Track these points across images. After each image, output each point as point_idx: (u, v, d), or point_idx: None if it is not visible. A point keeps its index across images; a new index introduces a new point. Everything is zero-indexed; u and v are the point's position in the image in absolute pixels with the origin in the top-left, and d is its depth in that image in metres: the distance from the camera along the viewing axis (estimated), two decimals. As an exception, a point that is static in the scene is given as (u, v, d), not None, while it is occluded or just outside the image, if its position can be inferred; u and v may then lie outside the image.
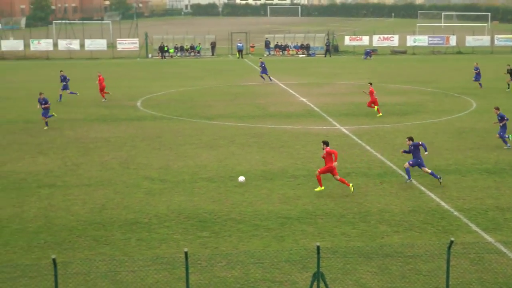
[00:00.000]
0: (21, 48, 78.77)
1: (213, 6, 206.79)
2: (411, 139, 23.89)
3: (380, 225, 19.59)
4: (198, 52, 78.96)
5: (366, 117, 37.07)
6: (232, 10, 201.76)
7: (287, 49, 79.54)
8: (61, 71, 45.22)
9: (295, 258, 17.00)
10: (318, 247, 13.30)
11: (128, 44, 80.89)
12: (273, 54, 78.98)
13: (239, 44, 76.65)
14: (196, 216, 20.40)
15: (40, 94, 34.70)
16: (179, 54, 78.77)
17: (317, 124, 35.13)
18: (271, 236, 18.70)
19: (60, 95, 43.60)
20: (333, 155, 22.25)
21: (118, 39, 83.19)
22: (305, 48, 79.39)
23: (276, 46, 79.65)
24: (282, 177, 24.82)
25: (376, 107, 37.53)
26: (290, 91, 47.61)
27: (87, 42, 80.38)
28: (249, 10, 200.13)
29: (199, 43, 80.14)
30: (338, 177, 22.63)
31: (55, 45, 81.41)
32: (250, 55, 78.90)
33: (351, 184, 22.79)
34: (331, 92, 47.39)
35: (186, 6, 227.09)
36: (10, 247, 18.01)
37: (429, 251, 17.34)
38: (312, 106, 41.07)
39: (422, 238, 18.48)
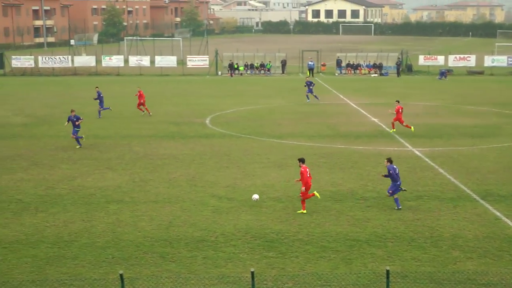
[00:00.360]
0: (93, 64, 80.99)
1: (284, 23, 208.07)
2: (389, 161, 23.40)
3: (453, 250, 19.30)
4: (268, 70, 79.53)
5: (440, 138, 36.59)
6: (304, 28, 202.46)
7: (359, 68, 79.27)
8: (96, 87, 46.38)
9: (363, 281, 16.93)
10: (387, 271, 13.24)
11: (198, 61, 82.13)
12: (345, 73, 78.83)
13: (310, 63, 76.81)
14: (263, 235, 20.56)
15: (72, 111, 34.48)
16: (249, 71, 79.53)
17: (389, 145, 34.87)
18: (339, 258, 18.67)
19: (99, 111, 44.80)
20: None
21: (188, 56, 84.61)
22: (378, 67, 78.94)
23: (348, 65, 79.48)
24: (352, 198, 24.75)
25: (394, 122, 38.29)
26: (362, 111, 47.42)
27: (157, 58, 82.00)
28: (321, 28, 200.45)
29: (269, 61, 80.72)
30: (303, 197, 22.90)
31: (126, 61, 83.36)
32: (321, 73, 78.98)
33: (316, 192, 23.40)
34: (404, 112, 46.86)
35: (257, 23, 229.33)
36: (79, 260, 18.56)
37: (505, 280, 16.99)
38: (384, 126, 40.79)
39: (497, 265, 18.11)
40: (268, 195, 25.22)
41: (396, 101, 39.43)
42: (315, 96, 52.30)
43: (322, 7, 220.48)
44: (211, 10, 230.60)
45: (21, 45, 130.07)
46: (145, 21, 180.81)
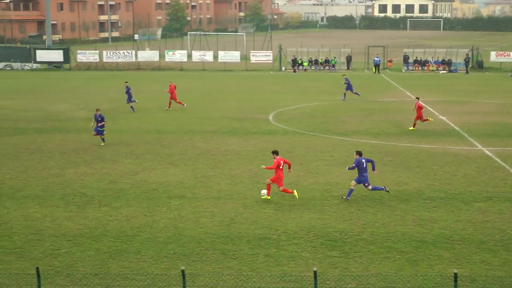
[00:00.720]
0: (157, 58, 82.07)
1: (350, 18, 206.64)
2: (358, 153, 23.95)
3: (524, 255, 18.82)
4: (333, 66, 79.13)
5: (512, 138, 35.74)
6: (370, 23, 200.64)
7: (426, 64, 78.10)
8: (126, 82, 47.04)
9: (429, 284, 16.69)
10: (455, 274, 13.03)
11: (261, 56, 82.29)
12: (412, 70, 77.77)
13: (376, 59, 76.10)
14: (326, 234, 20.48)
15: (97, 110, 34.12)
16: (313, 67, 79.30)
17: (457, 144, 34.25)
18: (404, 260, 18.45)
19: (132, 107, 45.54)
20: (286, 164, 23.99)
21: (251, 51, 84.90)
22: (447, 64, 77.58)
23: (415, 61, 78.37)
24: (418, 198, 24.41)
25: (416, 122, 38.12)
26: (429, 108, 46.70)
27: (221, 53, 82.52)
28: (388, 23, 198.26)
29: (334, 57, 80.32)
30: (281, 188, 23.84)
31: (189, 56, 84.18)
32: (387, 70, 78.14)
33: (295, 191, 23.91)
34: (473, 110, 46.05)
35: (322, 18, 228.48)
36: (141, 255, 18.86)
37: None
38: (452, 125, 40.08)
39: None
40: (331, 193, 25.10)
41: (416, 98, 39.34)
42: (355, 93, 51.59)
43: (389, 2, 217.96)
44: (275, 4, 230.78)
45: (86, 40, 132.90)
46: (208, 16, 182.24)
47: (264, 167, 25.29)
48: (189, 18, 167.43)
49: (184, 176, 27.59)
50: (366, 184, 23.94)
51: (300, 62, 78.82)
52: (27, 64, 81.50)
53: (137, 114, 44.83)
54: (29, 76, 73.63)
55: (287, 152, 32.19)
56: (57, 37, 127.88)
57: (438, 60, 78.35)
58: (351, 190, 24.13)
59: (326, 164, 29.95)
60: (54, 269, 17.82)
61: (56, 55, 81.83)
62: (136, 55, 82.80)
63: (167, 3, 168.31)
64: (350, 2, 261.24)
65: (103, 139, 34.27)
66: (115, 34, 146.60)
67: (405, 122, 40.88)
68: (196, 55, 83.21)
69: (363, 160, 23.92)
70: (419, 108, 37.96)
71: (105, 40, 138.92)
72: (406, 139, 35.66)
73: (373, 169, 24.50)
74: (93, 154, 31.93)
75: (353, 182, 24.09)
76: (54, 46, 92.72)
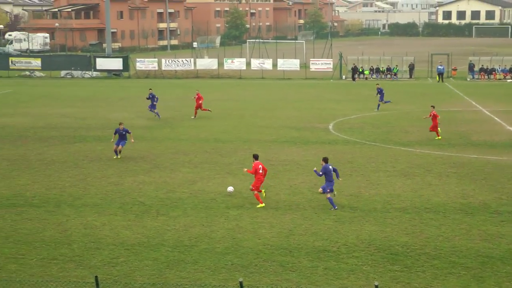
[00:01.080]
0: (215, 66, 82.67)
1: (412, 25, 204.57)
2: (325, 160, 24.38)
3: None
4: (395, 74, 78.40)
5: None
6: (433, 30, 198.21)
7: (493, 72, 76.65)
8: (150, 89, 47.62)
9: (496, 302, 16.31)
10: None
11: (321, 64, 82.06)
12: (477, 78, 76.43)
13: (439, 67, 75.05)
14: (387, 248, 20.25)
15: (120, 124, 33.35)
16: (374, 76, 78.71)
17: (526, 156, 33.47)
18: (470, 276, 18.08)
19: (157, 113, 46.42)
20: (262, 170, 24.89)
21: (311, 59, 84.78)
22: (515, 72, 75.97)
23: (481, 70, 77.00)
24: (484, 212, 23.92)
25: (438, 130, 37.83)
26: (496, 119, 45.80)
27: (280, 61, 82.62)
28: (452, 30, 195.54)
29: (396, 65, 79.57)
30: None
31: (248, 64, 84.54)
32: (451, 78, 76.98)
33: (263, 205, 24.59)
34: (543, 121, 44.93)
35: (384, 25, 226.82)
36: (198, 266, 18.97)
37: None
38: (521, 136, 39.20)
39: None
40: (393, 205, 24.82)
41: (432, 106, 38.96)
42: (385, 102, 50.76)
43: (453, 8, 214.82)
44: (336, 12, 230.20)
45: (145, 47, 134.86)
46: (268, 23, 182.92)
47: (246, 170, 25.85)
48: (248, 26, 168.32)
49: (243, 186, 27.64)
50: (328, 190, 24.17)
51: (361, 70, 78.35)
52: (87, 72, 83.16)
53: (195, 122, 45.20)
54: (89, 84, 75.12)
55: (347, 163, 32.00)
56: (116, 45, 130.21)
57: (505, 68, 76.81)
58: (330, 199, 24.26)
59: (388, 175, 29.64)
60: (113, 278, 18.07)
61: (116, 63, 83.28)
62: (194, 63, 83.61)
63: (226, 10, 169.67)
64: (413, 8, 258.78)
65: (117, 152, 33.08)
66: (174, 42, 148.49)
67: (470, 133, 40.19)
68: (255, 63, 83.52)
69: (330, 167, 24.29)
70: (435, 116, 37.56)
71: (164, 48, 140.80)
72: (471, 150, 35.03)
73: (337, 176, 24.77)
74: (152, 163, 32.32)
75: (321, 190, 24.77)
76: (113, 54, 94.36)
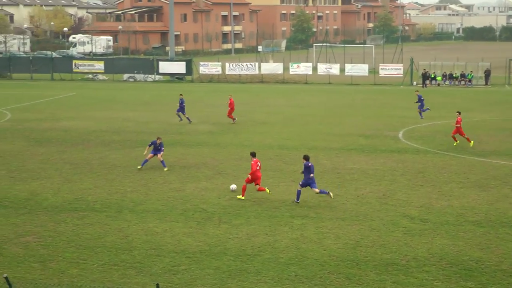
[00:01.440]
0: (280, 71, 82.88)
1: (489, 29, 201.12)
2: (305, 158, 26.45)
3: None
4: (469, 80, 77.12)
5: None
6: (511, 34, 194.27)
7: None
8: (180, 94, 48.75)
9: None
10: None
11: (391, 69, 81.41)
12: (559, 85, 74.59)
13: (517, 73, 73.53)
14: (460, 263, 19.90)
15: (158, 138, 32.78)
16: (447, 82, 77.60)
17: None
18: (549, 295, 17.62)
19: (178, 115, 47.70)
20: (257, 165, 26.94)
21: (380, 64, 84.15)
22: None
23: None
24: None
25: (464, 136, 38.09)
26: None
27: (348, 66, 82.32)
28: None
29: (471, 71, 78.27)
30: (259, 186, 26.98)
31: (314, 69, 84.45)
32: (530, 85, 75.28)
33: (243, 198, 26.82)
34: None
35: (458, 29, 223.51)
36: (261, 276, 19.01)
37: None
38: None
39: None
40: (466, 218, 24.38)
41: (457, 112, 38.62)
42: (424, 110, 49.67)
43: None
44: (407, 15, 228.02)
45: (209, 51, 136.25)
46: (335, 27, 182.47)
47: (249, 175, 27.36)
48: (315, 29, 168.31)
49: (308, 195, 27.57)
50: (300, 184, 26.44)
51: (433, 76, 77.35)
52: (150, 75, 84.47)
53: (260, 128, 45.35)
54: (152, 88, 76.27)
55: (418, 172, 31.61)
56: (179, 48, 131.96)
57: None
58: (322, 191, 26.36)
59: (461, 186, 29.15)
60: (173, 286, 18.27)
61: (179, 67, 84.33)
62: (259, 67, 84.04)
63: (292, 13, 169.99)
64: (490, 11, 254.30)
65: (147, 161, 32.62)
66: (238, 45, 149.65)
67: (550, 143, 39.20)
68: (322, 68, 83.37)
69: (310, 164, 26.22)
70: (458, 122, 37.90)
71: (227, 51, 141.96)
72: (551, 161, 34.15)
73: (311, 172, 26.33)
74: (214, 169, 32.56)
75: (298, 186, 26.65)
76: (176, 58, 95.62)
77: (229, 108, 47.28)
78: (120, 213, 25.19)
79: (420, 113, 49.51)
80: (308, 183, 26.24)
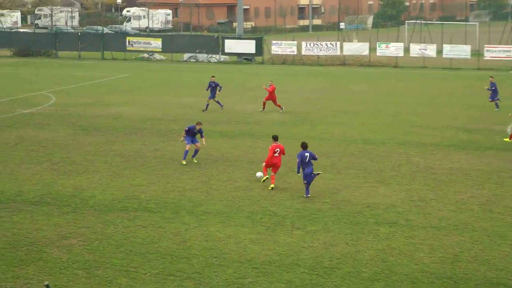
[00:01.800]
0: (366, 52, 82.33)
1: None
2: (303, 146, 27.60)
3: None
4: None
5: None
6: None
7: None
8: (212, 76, 48.53)
9: None
10: None
11: (499, 51, 79.97)
12: None
13: None
14: None
15: (198, 124, 33.23)
16: None
17: None
18: None
19: (218, 102, 47.75)
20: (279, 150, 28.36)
21: (486, 45, 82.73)
22: None
23: None
24: None
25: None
26: None
27: (446, 47, 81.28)
28: None
29: None
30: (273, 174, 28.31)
31: (406, 50, 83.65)
32: None
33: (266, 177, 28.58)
34: None
35: None
36: (340, 293, 18.83)
37: None
38: None
39: None
40: None
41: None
42: (496, 99, 48.13)
43: None
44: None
45: (282, 28, 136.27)
46: (431, 1, 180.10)
47: (264, 162, 28.92)
48: (407, 3, 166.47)
49: (397, 198, 27.25)
50: (305, 182, 27.45)
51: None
52: (214, 55, 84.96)
53: (340, 118, 45.03)
54: (216, 69, 76.57)
55: (530, 175, 30.91)
56: (249, 24, 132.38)
57: None
58: (307, 183, 27.47)
59: None
60: (237, 302, 18.22)
61: (248, 46, 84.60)
62: (341, 47, 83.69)
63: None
64: None
65: (187, 152, 32.83)
66: (317, 21, 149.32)
67: None
68: (415, 49, 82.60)
69: (306, 154, 27.39)
70: None
71: (304, 28, 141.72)
72: None
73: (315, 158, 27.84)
74: (287, 166, 32.37)
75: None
76: (245, 35, 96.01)
77: (268, 95, 46.96)
78: (177, 214, 25.29)
79: (496, 104, 48.63)
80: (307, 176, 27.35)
